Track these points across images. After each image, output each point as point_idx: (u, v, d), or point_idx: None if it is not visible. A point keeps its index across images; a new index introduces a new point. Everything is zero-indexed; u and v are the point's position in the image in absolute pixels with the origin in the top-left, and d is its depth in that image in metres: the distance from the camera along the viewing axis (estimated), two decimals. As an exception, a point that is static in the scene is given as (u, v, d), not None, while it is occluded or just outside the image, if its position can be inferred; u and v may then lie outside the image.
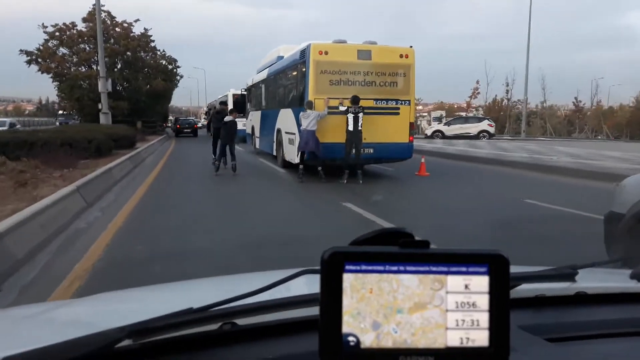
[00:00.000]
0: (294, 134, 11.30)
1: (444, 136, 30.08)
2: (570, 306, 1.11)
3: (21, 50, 30.14)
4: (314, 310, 0.59)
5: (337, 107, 10.25)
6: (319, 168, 10.52)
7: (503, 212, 7.41)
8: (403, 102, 10.73)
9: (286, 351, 0.87)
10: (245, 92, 19.30)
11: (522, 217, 6.84)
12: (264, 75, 15.77)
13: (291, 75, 12.19)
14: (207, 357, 0.86)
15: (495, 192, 9.74)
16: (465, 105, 51.07)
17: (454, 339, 0.52)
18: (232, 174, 11.55)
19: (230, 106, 20.26)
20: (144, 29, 34.63)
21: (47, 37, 30.77)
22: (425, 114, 51.29)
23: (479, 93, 47.70)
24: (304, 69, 10.69)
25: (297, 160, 10.90)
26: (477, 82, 47.69)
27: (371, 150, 10.57)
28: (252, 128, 17.82)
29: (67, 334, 0.79)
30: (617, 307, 1.12)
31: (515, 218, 6.79)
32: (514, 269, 0.83)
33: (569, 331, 0.98)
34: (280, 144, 13.03)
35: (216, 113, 13.37)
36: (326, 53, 10.32)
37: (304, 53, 10.73)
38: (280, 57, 13.99)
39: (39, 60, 30.18)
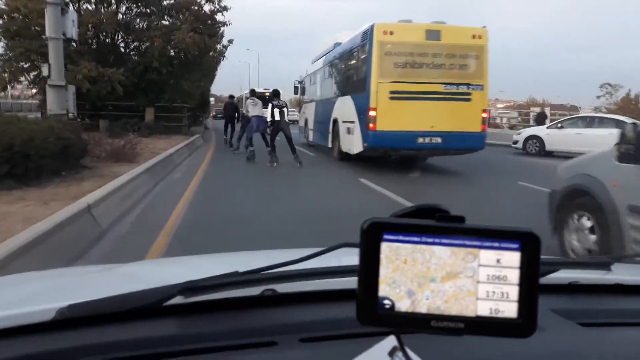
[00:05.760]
0: (353, 122, 10.55)
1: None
2: (604, 295, 1.08)
3: None
4: (349, 281, 0.68)
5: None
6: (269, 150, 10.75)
7: None
8: (475, 86, 9.73)
9: (321, 317, 0.92)
10: (298, 85, 18.73)
11: None
12: (319, 64, 15.12)
13: (351, 60, 11.43)
14: (247, 318, 0.91)
15: None
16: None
17: (483, 309, 0.54)
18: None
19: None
20: None
21: None
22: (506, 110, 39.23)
23: None
24: (366, 52, 9.92)
25: (357, 150, 10.19)
26: None
27: (439, 140, 9.65)
28: (306, 120, 17.23)
29: (122, 289, 0.90)
30: None
31: None
32: (548, 257, 0.89)
33: (602, 318, 0.96)
34: (336, 134, 12.32)
35: (229, 104, 16.34)
36: (391, 33, 9.51)
37: (366, 34, 9.97)
38: (338, 44, 13.30)
39: None
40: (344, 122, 11.55)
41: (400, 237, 0.54)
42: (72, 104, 11.24)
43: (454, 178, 9.96)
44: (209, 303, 0.88)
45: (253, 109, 11.60)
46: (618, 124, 11.75)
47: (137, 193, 6.61)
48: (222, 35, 21.36)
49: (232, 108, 15.78)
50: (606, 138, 10.34)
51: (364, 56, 10.17)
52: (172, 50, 17.78)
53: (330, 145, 13.10)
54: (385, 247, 0.54)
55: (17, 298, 1.06)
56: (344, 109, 11.57)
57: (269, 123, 10.68)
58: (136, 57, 18.11)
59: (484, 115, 9.91)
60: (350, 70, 11.61)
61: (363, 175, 9.30)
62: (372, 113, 9.48)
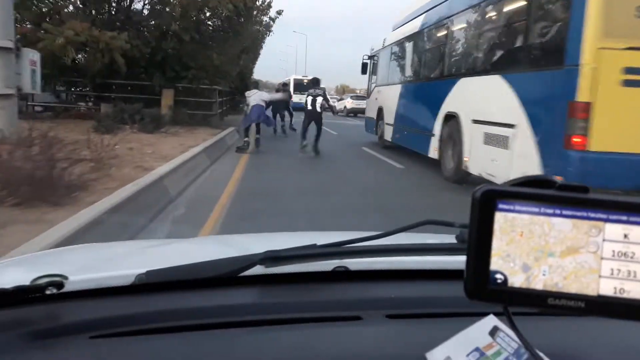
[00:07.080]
0: (512, 126, 5.66)
1: None
2: None
3: None
4: (429, 261, 0.74)
5: None
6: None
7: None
8: None
9: (405, 294, 0.88)
10: (368, 61, 13.79)
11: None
12: (412, 28, 10.15)
13: (504, 10, 6.38)
14: (327, 291, 0.87)
15: None
16: None
17: (607, 288, 0.49)
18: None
19: (291, 88, 22.17)
20: None
21: None
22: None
23: None
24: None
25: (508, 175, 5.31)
26: None
27: None
28: (379, 111, 12.31)
29: (197, 258, 0.83)
30: None
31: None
32: None
33: None
34: (452, 139, 7.47)
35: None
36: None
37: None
38: (449, -7, 8.32)
39: None
40: (476, 121, 6.67)
41: (517, 207, 0.50)
42: (29, 79, 7.13)
43: None
44: (283, 276, 0.85)
45: (254, 98, 10.43)
46: None
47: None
48: (269, 5, 17.20)
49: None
50: None
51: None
52: (200, 13, 13.04)
53: (434, 154, 8.28)
54: (499, 217, 0.50)
55: (96, 263, 1.05)
56: (479, 98, 6.70)
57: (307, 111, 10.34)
58: (152, 22, 13.50)
59: None
60: (501, 30, 6.50)
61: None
62: (579, 113, 4.58)
